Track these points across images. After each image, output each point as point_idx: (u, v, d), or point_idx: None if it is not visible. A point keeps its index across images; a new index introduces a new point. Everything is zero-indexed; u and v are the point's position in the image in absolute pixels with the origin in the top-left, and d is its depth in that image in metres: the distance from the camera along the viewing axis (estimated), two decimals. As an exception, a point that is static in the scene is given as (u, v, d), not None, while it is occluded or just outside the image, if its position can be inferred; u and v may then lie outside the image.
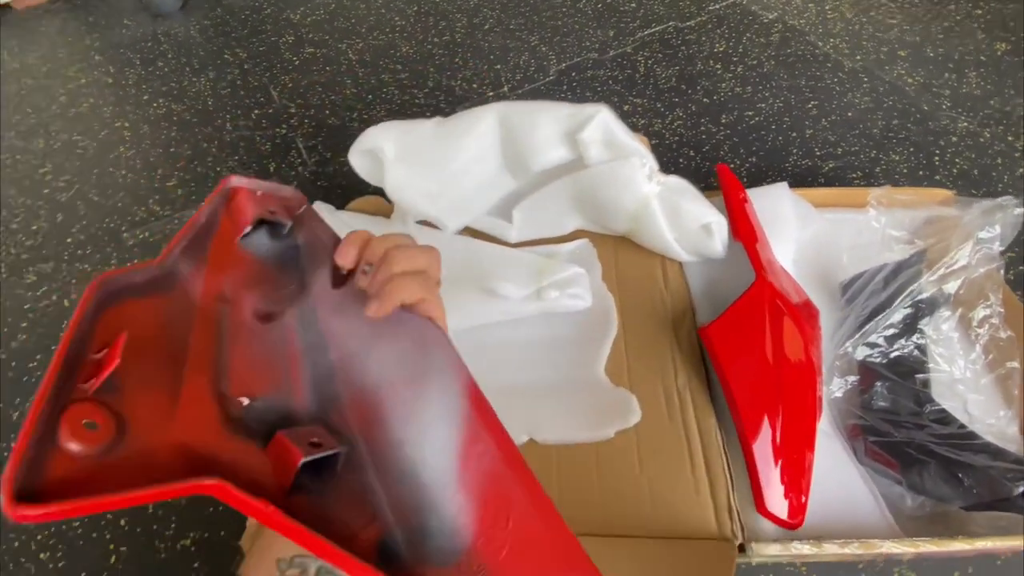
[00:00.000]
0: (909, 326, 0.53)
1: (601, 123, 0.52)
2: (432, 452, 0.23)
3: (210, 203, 0.28)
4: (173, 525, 0.53)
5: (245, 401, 0.23)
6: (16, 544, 0.53)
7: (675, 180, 0.54)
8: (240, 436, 0.22)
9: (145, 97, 0.95)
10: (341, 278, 0.28)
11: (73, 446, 0.17)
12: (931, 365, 0.53)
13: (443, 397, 0.24)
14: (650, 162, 0.53)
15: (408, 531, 0.22)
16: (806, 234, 0.60)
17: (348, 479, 0.22)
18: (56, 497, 0.16)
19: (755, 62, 0.91)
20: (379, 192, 0.62)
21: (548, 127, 0.54)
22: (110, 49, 1.05)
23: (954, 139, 0.80)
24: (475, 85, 0.92)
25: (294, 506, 0.19)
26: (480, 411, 0.24)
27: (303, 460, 0.20)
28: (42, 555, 0.53)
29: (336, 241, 0.29)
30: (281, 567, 0.23)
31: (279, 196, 0.31)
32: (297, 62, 0.99)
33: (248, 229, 0.29)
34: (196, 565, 0.51)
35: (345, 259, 0.28)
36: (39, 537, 0.54)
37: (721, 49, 0.94)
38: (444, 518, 0.22)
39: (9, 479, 0.15)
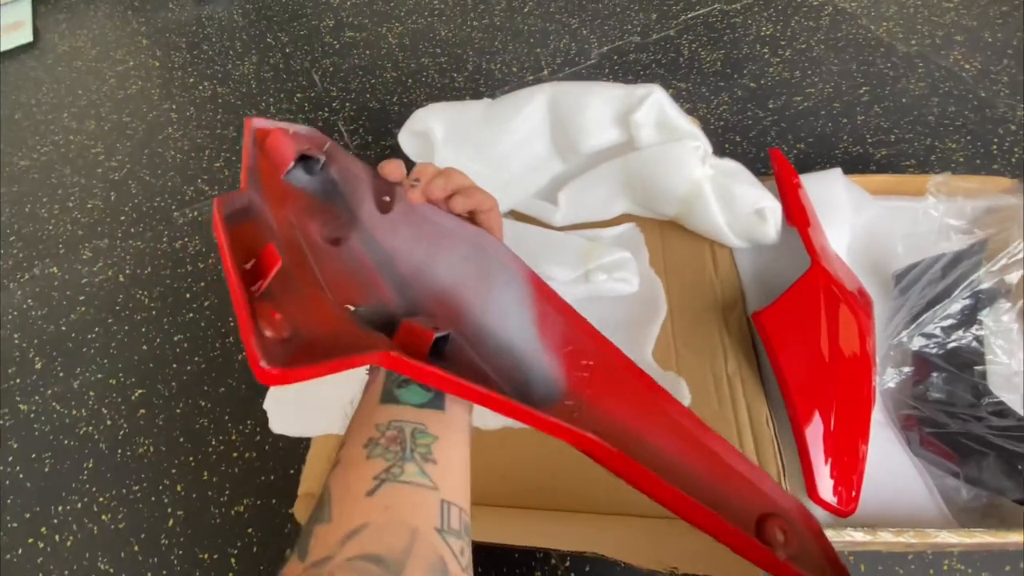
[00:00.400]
0: (968, 317, 0.52)
1: (655, 104, 0.51)
2: (515, 329, 0.27)
3: (248, 147, 0.30)
4: (227, 492, 0.55)
5: (351, 307, 0.26)
6: (79, 505, 0.56)
7: (728, 163, 0.53)
8: (369, 330, 0.24)
9: (191, 80, 0.97)
10: (386, 204, 0.31)
11: (271, 333, 0.19)
12: (989, 357, 0.52)
13: (510, 286, 0.28)
14: (704, 145, 0.52)
15: (516, 386, 0.26)
16: (860, 221, 0.59)
17: (456, 357, 0.26)
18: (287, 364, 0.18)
19: (804, 46, 0.89)
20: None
21: (599, 108, 0.53)
22: (156, 33, 1.07)
23: (1013, 127, 0.77)
24: (515, 69, 0.92)
25: None
26: (543, 291, 0.28)
27: (436, 336, 0.24)
28: (104, 516, 0.55)
29: (370, 171, 0.31)
30: (380, 429, 0.24)
31: (303, 135, 0.32)
32: (337, 46, 1.00)
33: (291, 166, 0.31)
34: (249, 531, 0.53)
35: (393, 172, 0.30)
36: (101, 500, 0.56)
37: (768, 32, 0.91)
38: (539, 371, 0.26)
39: (256, 351, 0.18)
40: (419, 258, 0.30)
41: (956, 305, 0.52)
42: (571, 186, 0.58)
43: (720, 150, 0.75)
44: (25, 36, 1.06)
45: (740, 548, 0.23)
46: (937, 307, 0.52)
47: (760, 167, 0.73)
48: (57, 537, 0.54)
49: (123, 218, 0.78)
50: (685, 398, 0.48)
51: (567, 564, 0.49)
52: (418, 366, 0.22)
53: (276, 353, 0.18)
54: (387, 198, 0.31)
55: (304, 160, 0.31)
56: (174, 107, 0.93)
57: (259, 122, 0.31)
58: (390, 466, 0.23)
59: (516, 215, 0.61)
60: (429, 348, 0.24)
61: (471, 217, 0.32)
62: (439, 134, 0.57)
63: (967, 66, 0.84)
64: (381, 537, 0.21)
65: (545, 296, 0.28)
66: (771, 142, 0.76)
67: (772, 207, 0.53)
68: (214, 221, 0.23)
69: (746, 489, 0.25)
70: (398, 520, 0.21)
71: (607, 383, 0.26)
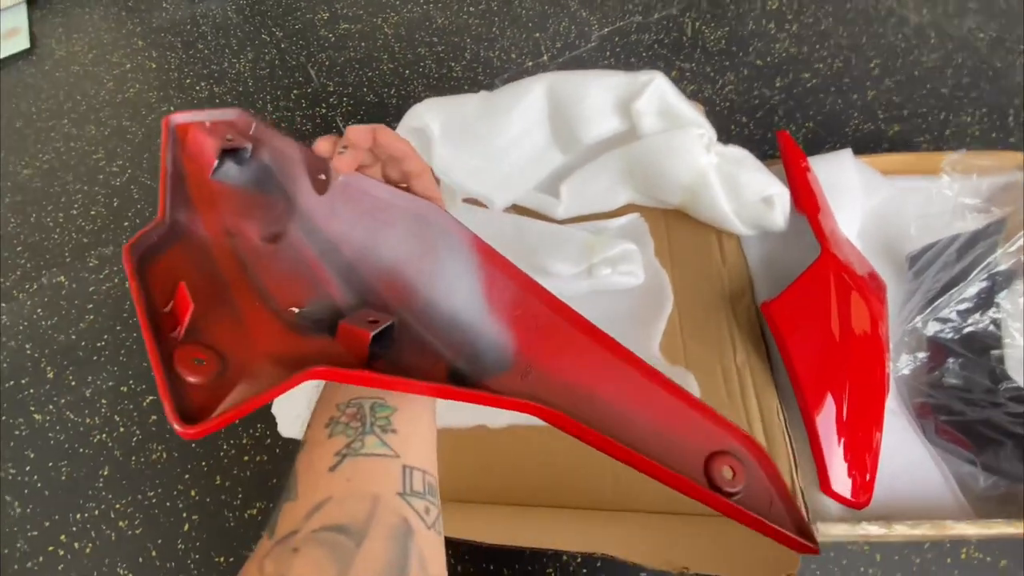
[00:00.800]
0: (985, 300, 0.50)
1: (656, 91, 0.50)
2: (463, 299, 0.27)
3: (167, 150, 0.29)
4: (240, 496, 0.56)
5: (295, 310, 0.26)
6: (97, 512, 0.57)
7: (734, 150, 0.52)
8: (310, 336, 0.25)
9: (188, 81, 0.96)
10: (322, 183, 0.30)
11: (194, 379, 0.20)
12: (1007, 340, 0.50)
13: (455, 256, 0.28)
14: (708, 132, 0.50)
15: (466, 358, 0.26)
16: (871, 203, 0.57)
17: (406, 339, 0.26)
18: (207, 416, 0.19)
19: (811, 20, 0.86)
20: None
21: (599, 97, 0.52)
22: (151, 33, 1.06)
23: (1031, 97, 0.74)
24: (513, 55, 0.90)
25: (377, 370, 0.23)
26: (489, 256, 0.27)
27: (372, 334, 0.24)
28: (121, 523, 0.56)
29: (302, 149, 0.30)
30: (340, 408, 0.25)
31: (227, 122, 0.31)
32: (333, 39, 0.98)
33: (215, 164, 0.30)
34: (263, 533, 0.54)
35: (326, 149, 0.29)
36: (117, 506, 0.57)
37: (774, 7, 0.88)
38: (489, 339, 0.26)
39: (171, 410, 0.18)
40: (361, 239, 0.29)
41: (972, 288, 0.50)
42: (573, 178, 0.57)
43: (726, 132, 0.74)
44: (22, 43, 1.06)
45: (689, 494, 0.23)
46: (953, 290, 0.50)
47: (768, 149, 0.71)
48: (76, 544, 0.55)
49: (127, 224, 0.78)
50: (694, 393, 0.47)
51: (578, 560, 0.49)
52: (348, 373, 0.22)
53: (199, 401, 0.19)
54: (323, 176, 0.30)
55: (231, 152, 0.30)
56: (172, 109, 0.92)
57: (178, 117, 0.30)
58: (351, 441, 0.24)
59: (517, 209, 0.60)
60: (368, 346, 0.24)
61: (407, 185, 0.31)
62: (436, 130, 0.56)
63: (981, 35, 0.81)
64: (344, 507, 0.22)
65: (492, 260, 0.27)
66: (779, 122, 0.74)
67: (780, 194, 0.51)
68: (126, 270, 0.23)
69: (695, 429, 0.25)
70: (360, 490, 0.22)
71: (557, 343, 0.26)
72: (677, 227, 0.57)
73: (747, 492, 0.23)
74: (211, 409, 0.19)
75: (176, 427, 0.18)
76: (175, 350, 0.20)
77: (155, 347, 0.20)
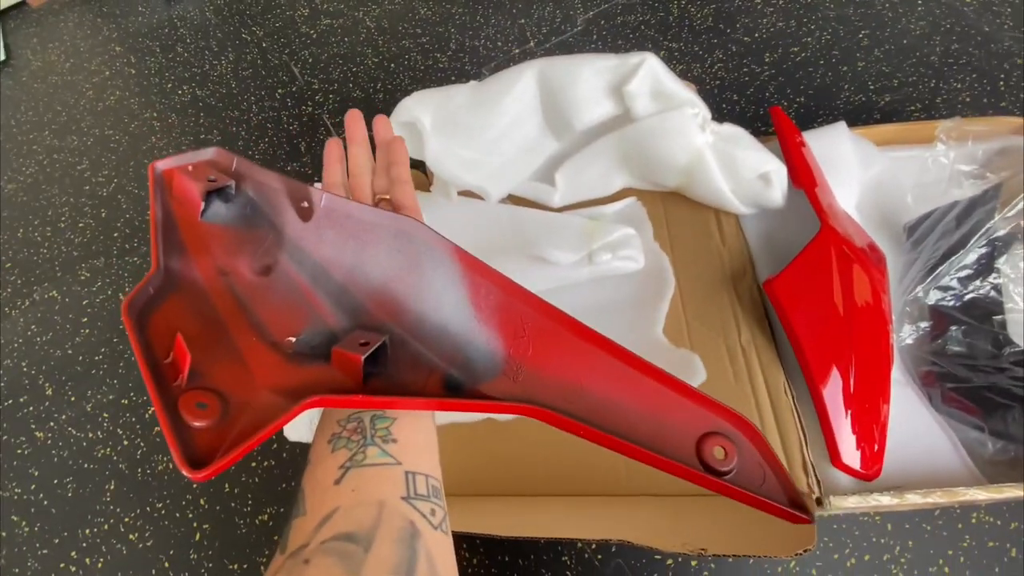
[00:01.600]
0: (985, 266, 0.50)
1: (648, 72, 0.49)
2: (451, 310, 0.28)
3: (155, 198, 0.30)
4: (250, 502, 0.56)
5: (292, 340, 0.27)
6: (106, 527, 0.56)
7: (729, 128, 0.52)
8: (307, 364, 0.26)
9: (169, 85, 0.94)
10: (307, 211, 0.31)
11: (199, 424, 0.21)
12: (1009, 305, 0.50)
13: (439, 268, 0.29)
14: (702, 110, 0.50)
15: (459, 366, 0.27)
16: (868, 175, 0.57)
17: (400, 354, 0.27)
18: (214, 457, 0.20)
19: (797, -7, 0.85)
20: (412, 165, 0.61)
21: (591, 81, 0.51)
22: (129, 39, 1.04)
23: (1020, 61, 0.74)
24: (499, 43, 0.89)
25: (373, 389, 0.25)
26: (472, 265, 0.28)
27: (364, 357, 0.25)
28: (131, 536, 0.56)
29: (283, 180, 0.32)
30: (341, 424, 0.26)
31: (208, 162, 0.32)
32: (315, 35, 0.97)
33: (203, 205, 0.31)
34: (276, 538, 0.54)
35: (331, 151, 0.34)
36: (126, 520, 0.56)
37: (759, -18, 0.88)
38: (479, 345, 0.28)
39: (180, 458, 0.19)
40: (349, 260, 0.30)
41: (972, 255, 0.50)
42: (568, 165, 0.56)
43: (718, 110, 0.73)
44: (-4, 54, 1.03)
45: (683, 477, 0.24)
46: (953, 258, 0.50)
47: (760, 125, 0.71)
48: (88, 560, 0.55)
49: (116, 235, 0.77)
50: (700, 375, 0.47)
51: (593, 547, 0.49)
52: (344, 400, 0.24)
53: (205, 444, 0.20)
54: (306, 204, 0.31)
55: (217, 191, 0.32)
56: (155, 115, 0.90)
57: (162, 164, 0.32)
58: (353, 454, 0.25)
59: (513, 199, 0.59)
60: (361, 367, 0.25)
61: (389, 195, 0.34)
62: (427, 123, 0.55)
63: (968, 0, 0.80)
64: (351, 516, 0.22)
65: (474, 269, 0.29)
66: (770, 98, 0.74)
67: (777, 170, 0.51)
68: (127, 327, 0.24)
69: (684, 413, 0.25)
70: (365, 499, 0.23)
71: (544, 342, 0.27)
72: (675, 209, 0.57)
73: (740, 470, 0.24)
74: (217, 450, 0.20)
75: (185, 473, 0.19)
76: (179, 398, 0.22)
77: (159, 398, 0.21)
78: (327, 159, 0.37)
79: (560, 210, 0.58)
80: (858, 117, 0.70)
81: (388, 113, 0.59)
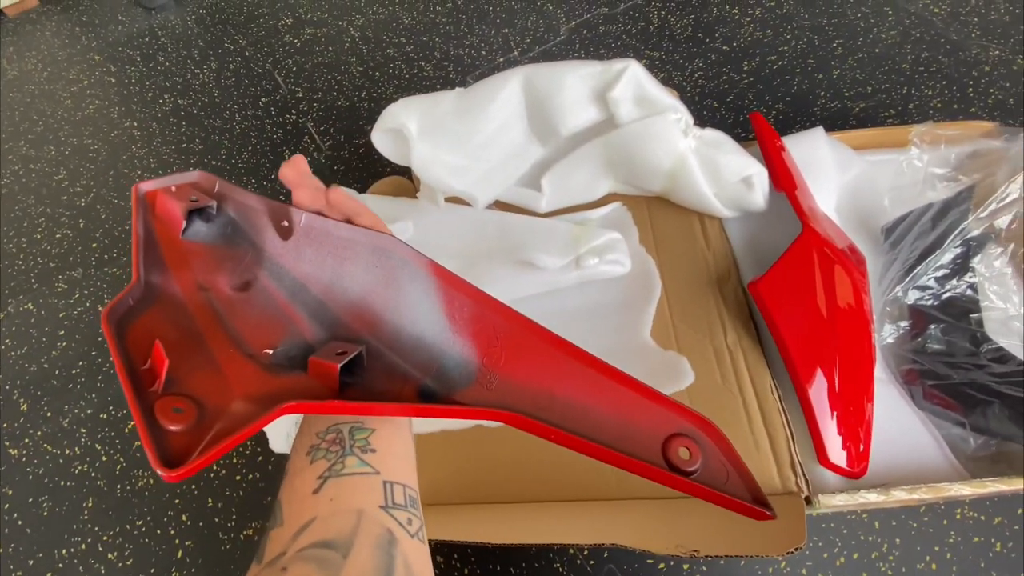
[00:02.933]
0: (960, 265, 0.52)
1: (632, 78, 0.50)
2: (426, 322, 0.29)
3: (138, 217, 0.31)
4: (234, 516, 0.54)
5: (269, 351, 0.27)
6: (84, 547, 0.54)
7: (711, 133, 0.52)
8: (284, 374, 0.26)
9: (150, 94, 0.93)
10: (286, 230, 0.32)
11: (175, 427, 0.21)
12: (985, 303, 0.52)
13: (414, 282, 0.30)
14: (685, 116, 0.51)
15: (434, 376, 0.28)
16: (845, 179, 0.58)
17: (376, 365, 0.28)
18: (189, 459, 0.20)
19: (773, 3, 0.87)
20: (398, 171, 0.61)
21: (575, 87, 0.52)
22: (108, 48, 1.02)
23: (987, 68, 0.76)
24: (483, 52, 0.89)
25: (349, 398, 0.25)
26: (446, 279, 0.29)
27: (339, 366, 0.25)
28: (110, 555, 0.54)
29: (264, 201, 0.32)
30: (320, 436, 0.26)
31: (191, 183, 0.33)
32: (298, 44, 0.97)
33: (184, 224, 0.32)
34: (252, 562, 0.52)
35: (286, 174, 0.31)
36: (105, 538, 0.55)
37: (736, -7, 0.90)
38: (454, 356, 0.28)
39: (154, 459, 0.20)
40: (327, 276, 0.31)
41: (948, 255, 0.52)
42: (554, 170, 0.56)
43: (699, 118, 0.74)
44: (-31, 64, 1.01)
45: (650, 477, 0.25)
46: (929, 258, 0.51)
47: (741, 132, 0.72)
48: (65, 580, 0.53)
49: (95, 245, 0.76)
50: (688, 377, 0.47)
51: (585, 552, 0.49)
52: (318, 405, 0.24)
53: (179, 446, 0.21)
54: (286, 223, 0.32)
55: (198, 211, 0.33)
56: (135, 124, 0.89)
57: (145, 186, 0.32)
58: (332, 464, 0.25)
59: (500, 205, 0.60)
60: (338, 375, 0.25)
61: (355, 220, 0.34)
62: (413, 129, 0.55)
63: (936, 10, 0.83)
64: (329, 524, 0.22)
65: (448, 282, 0.29)
66: (749, 105, 0.75)
67: (759, 174, 0.52)
68: (105, 334, 0.24)
69: (650, 416, 0.26)
70: (344, 507, 0.23)
71: (516, 351, 0.28)
72: (660, 214, 0.57)
73: (704, 469, 0.25)
74: (191, 452, 0.21)
75: (160, 472, 0.20)
76: (155, 402, 0.22)
77: (135, 402, 0.22)
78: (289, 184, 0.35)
79: (547, 215, 0.58)
80: (834, 123, 0.72)
81: (373, 121, 0.59)
